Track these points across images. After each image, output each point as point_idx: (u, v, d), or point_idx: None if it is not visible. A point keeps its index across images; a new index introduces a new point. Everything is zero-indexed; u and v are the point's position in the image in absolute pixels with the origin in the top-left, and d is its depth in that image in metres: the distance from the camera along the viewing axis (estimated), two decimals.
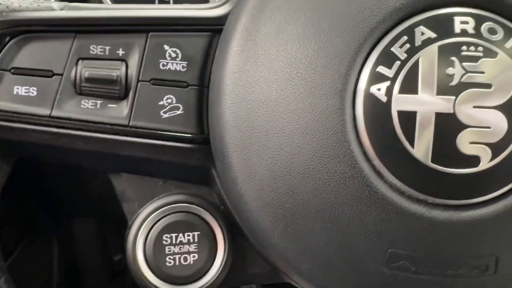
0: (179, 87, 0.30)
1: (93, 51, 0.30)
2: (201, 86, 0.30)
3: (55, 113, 0.29)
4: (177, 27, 0.31)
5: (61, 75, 0.29)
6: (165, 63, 0.30)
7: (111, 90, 0.30)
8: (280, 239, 0.27)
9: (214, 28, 0.31)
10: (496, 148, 0.24)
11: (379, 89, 0.25)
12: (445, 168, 0.24)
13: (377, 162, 0.25)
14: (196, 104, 0.30)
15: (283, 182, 0.26)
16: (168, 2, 0.63)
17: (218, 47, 0.29)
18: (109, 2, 0.56)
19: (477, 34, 0.24)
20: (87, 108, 0.29)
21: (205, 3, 0.33)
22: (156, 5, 0.31)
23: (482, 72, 0.24)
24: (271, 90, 0.26)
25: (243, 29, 0.27)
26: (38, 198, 0.48)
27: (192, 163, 0.31)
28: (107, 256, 0.54)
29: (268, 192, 0.26)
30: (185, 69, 0.30)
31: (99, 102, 0.30)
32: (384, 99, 0.25)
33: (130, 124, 0.30)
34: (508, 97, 0.24)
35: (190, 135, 0.30)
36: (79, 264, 0.54)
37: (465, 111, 0.24)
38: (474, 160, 0.24)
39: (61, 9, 0.30)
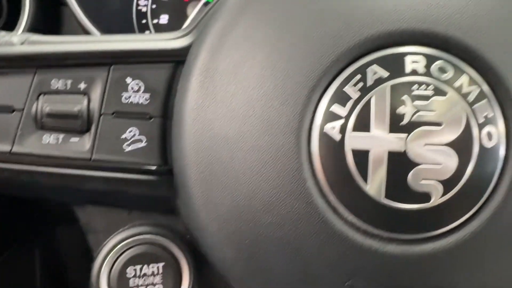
0: (142, 120, 0.30)
1: (54, 85, 0.30)
2: (164, 118, 0.31)
3: (15, 149, 0.29)
4: (139, 59, 0.31)
5: (22, 110, 0.30)
6: (127, 96, 0.30)
7: (73, 124, 0.30)
8: (243, 271, 0.28)
9: (177, 60, 0.31)
10: (447, 184, 0.25)
11: (333, 128, 0.25)
12: (398, 204, 0.25)
13: (332, 198, 0.25)
14: (159, 136, 0.31)
15: (244, 216, 0.26)
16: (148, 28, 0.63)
17: (180, 80, 0.30)
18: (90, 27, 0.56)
19: (428, 73, 0.25)
20: (49, 143, 0.29)
21: (170, 33, 0.33)
22: (119, 37, 0.31)
23: (433, 111, 0.25)
24: (230, 127, 0.26)
25: (201, 66, 0.27)
26: (19, 207, 0.48)
27: (157, 194, 0.31)
28: (90, 264, 0.53)
29: (230, 225, 0.27)
30: (148, 101, 0.31)
31: (60, 136, 0.30)
32: (338, 137, 0.25)
33: (92, 158, 0.30)
34: (458, 135, 0.25)
35: (153, 167, 0.30)
36: (62, 273, 0.54)
37: (416, 149, 0.25)
38: (425, 196, 0.25)
39: (22, 43, 0.30)
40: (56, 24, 0.61)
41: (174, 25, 0.68)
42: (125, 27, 0.71)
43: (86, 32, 0.58)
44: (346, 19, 0.26)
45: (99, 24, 0.61)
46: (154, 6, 0.72)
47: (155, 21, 0.72)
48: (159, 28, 0.66)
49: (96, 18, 0.63)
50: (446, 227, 0.25)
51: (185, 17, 0.68)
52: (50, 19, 0.60)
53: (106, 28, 0.64)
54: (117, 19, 0.70)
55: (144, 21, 0.72)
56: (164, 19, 0.69)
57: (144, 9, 0.71)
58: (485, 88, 0.25)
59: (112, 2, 0.70)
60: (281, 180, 0.26)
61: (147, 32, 0.69)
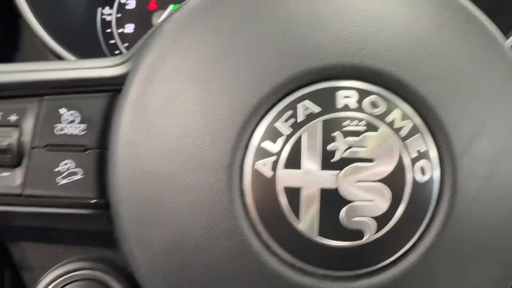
0: (78, 152, 0.29)
1: None
2: (101, 149, 0.30)
3: None
4: (73, 89, 0.30)
5: None
6: (61, 128, 0.29)
7: (3, 158, 0.29)
8: None
9: (114, 88, 0.30)
10: (380, 220, 0.25)
11: (264, 164, 0.25)
12: (331, 242, 0.25)
13: (266, 236, 0.25)
14: (96, 168, 0.29)
15: (177, 255, 0.26)
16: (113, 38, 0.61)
17: (114, 112, 0.29)
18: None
19: (360, 108, 0.25)
20: None
21: (108, 59, 0.32)
22: (52, 65, 0.30)
23: (364, 147, 0.24)
24: (161, 164, 0.26)
25: (132, 99, 0.26)
26: None
27: (94, 228, 0.30)
28: None
29: (163, 264, 0.26)
30: (83, 132, 0.30)
31: None
32: (269, 174, 0.25)
33: (23, 193, 0.29)
34: (390, 171, 0.25)
35: (90, 201, 0.29)
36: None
37: (349, 186, 0.24)
38: (359, 233, 0.25)
39: None
40: (14, 36, 0.60)
41: (140, 34, 0.67)
42: (89, 38, 0.70)
43: (44, 44, 0.56)
44: (277, 54, 0.25)
45: (58, 35, 0.60)
46: (119, 15, 0.71)
47: (120, 30, 0.71)
48: (124, 38, 0.65)
49: (56, 29, 0.61)
50: (381, 263, 0.25)
51: (150, 26, 0.67)
52: (5, 31, 0.58)
53: (68, 38, 0.63)
54: (80, 29, 0.69)
55: (109, 30, 0.71)
56: (129, 28, 0.68)
57: (108, 18, 0.70)
58: (418, 122, 0.25)
59: (74, 12, 0.68)
60: (213, 219, 0.25)
61: (112, 41, 0.68)
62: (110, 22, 0.70)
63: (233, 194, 0.25)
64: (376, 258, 0.25)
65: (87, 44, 0.70)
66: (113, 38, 0.71)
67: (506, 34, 0.65)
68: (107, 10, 0.71)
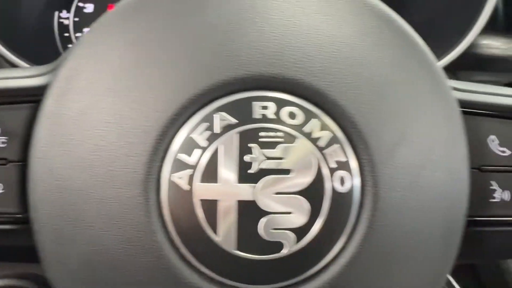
0: None
1: None
2: (24, 161, 0.29)
3: None
4: None
5: None
6: None
7: None
8: None
9: (35, 99, 0.29)
10: (299, 232, 0.24)
11: (181, 177, 0.24)
12: (250, 255, 0.24)
13: (184, 251, 0.24)
14: (18, 181, 0.29)
15: (94, 272, 0.25)
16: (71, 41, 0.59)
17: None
18: None
19: (277, 119, 0.24)
20: None
21: (32, 68, 0.31)
22: None
23: (281, 158, 0.24)
24: (77, 178, 0.25)
25: (48, 112, 0.26)
26: None
27: (18, 244, 0.29)
28: None
29: (80, 282, 0.25)
30: (5, 145, 0.29)
31: None
32: (186, 187, 0.24)
33: None
34: (308, 182, 0.24)
35: (12, 216, 0.28)
36: None
37: (266, 198, 0.24)
38: (278, 245, 0.24)
39: None
40: None
41: None
42: (47, 42, 0.68)
43: None
44: (193, 64, 0.24)
45: (11, 40, 0.58)
46: (77, 19, 0.69)
47: (78, 34, 0.70)
48: None
49: (8, 35, 0.60)
50: (303, 275, 0.25)
51: None
52: None
53: (22, 44, 0.61)
54: (36, 34, 0.67)
55: (66, 34, 0.69)
56: None
57: (66, 22, 0.69)
58: (337, 132, 0.25)
59: (29, 16, 0.66)
60: (130, 234, 0.24)
61: (70, 46, 0.66)
62: (67, 26, 0.69)
63: (150, 208, 0.24)
64: (297, 270, 0.25)
65: (44, 49, 0.68)
66: (71, 42, 0.70)
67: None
68: (64, 14, 0.69)
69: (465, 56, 0.67)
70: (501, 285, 0.64)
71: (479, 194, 0.31)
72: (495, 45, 0.64)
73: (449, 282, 0.75)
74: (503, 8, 0.73)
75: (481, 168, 0.31)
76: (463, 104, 0.31)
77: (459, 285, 0.73)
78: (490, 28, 0.75)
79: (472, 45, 0.66)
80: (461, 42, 0.64)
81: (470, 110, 0.31)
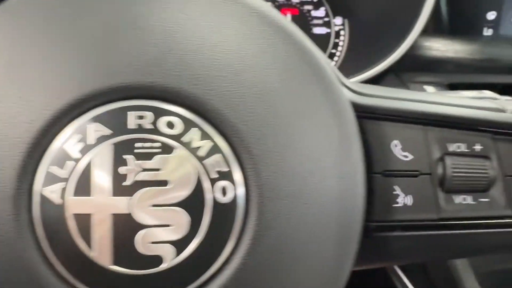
0: None
1: None
2: None
3: None
4: None
5: None
6: None
7: None
8: None
9: None
10: (179, 245, 0.24)
11: (53, 191, 0.23)
12: (128, 270, 0.23)
13: (60, 267, 0.23)
14: None
15: None
16: None
17: None
18: None
19: (154, 129, 0.23)
20: None
21: None
22: None
23: (158, 169, 0.23)
24: None
25: None
26: None
27: None
28: None
29: None
30: None
31: None
32: (58, 201, 0.23)
33: None
34: (188, 193, 0.24)
35: None
36: None
37: (142, 211, 0.23)
38: (157, 260, 0.24)
39: None
40: None
41: None
42: None
43: None
44: (66, 73, 0.23)
45: None
46: None
47: None
48: None
49: None
50: None
51: None
52: None
53: None
54: None
55: None
56: None
57: None
58: (219, 141, 0.24)
59: None
60: (2, 252, 0.23)
61: None
62: None
63: (22, 224, 0.23)
64: (179, 285, 0.24)
65: None
66: None
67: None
68: None
69: (407, 58, 0.67)
70: (448, 281, 0.65)
71: (383, 199, 0.31)
72: (436, 47, 0.65)
73: (402, 281, 0.75)
74: (447, 10, 0.74)
75: (384, 173, 0.31)
76: (367, 109, 0.31)
77: (411, 284, 0.74)
78: (436, 30, 0.76)
79: (414, 47, 0.66)
80: (401, 44, 0.65)
81: (374, 115, 0.31)
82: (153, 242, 0.23)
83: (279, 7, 0.82)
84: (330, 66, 0.29)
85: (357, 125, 0.28)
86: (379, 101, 0.31)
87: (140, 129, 0.23)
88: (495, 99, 0.38)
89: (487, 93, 0.55)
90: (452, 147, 0.31)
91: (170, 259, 0.23)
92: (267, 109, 0.25)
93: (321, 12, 0.84)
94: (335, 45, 0.84)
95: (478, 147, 0.31)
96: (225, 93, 0.24)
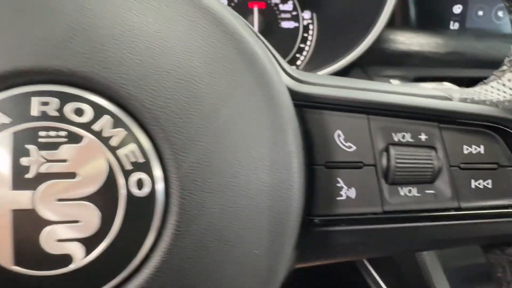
0: None
1: None
2: None
3: None
4: None
5: None
6: None
7: None
8: None
9: None
10: (90, 242, 0.22)
11: None
12: (33, 271, 0.21)
13: None
14: None
15: None
16: None
17: None
18: None
19: (60, 116, 0.21)
20: None
21: None
22: None
23: (64, 161, 0.21)
24: None
25: None
26: None
27: None
28: None
29: None
30: None
31: None
32: None
33: None
34: (99, 186, 0.22)
35: None
36: None
37: (47, 206, 0.21)
38: (66, 259, 0.22)
39: None
40: None
41: None
42: None
43: None
44: None
45: None
46: None
47: None
48: None
49: None
50: None
51: None
52: None
53: None
54: None
55: None
56: None
57: None
58: (134, 129, 0.22)
59: None
60: None
61: None
62: None
63: None
64: (90, 286, 0.22)
65: None
66: None
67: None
68: None
69: (373, 51, 0.66)
70: (417, 276, 0.65)
71: (325, 192, 0.29)
72: (401, 40, 0.64)
73: (372, 277, 0.75)
74: (414, 4, 0.73)
75: (327, 164, 0.29)
76: (308, 97, 0.29)
77: (381, 279, 0.73)
78: (403, 24, 0.76)
79: (379, 40, 0.65)
80: (367, 37, 0.64)
81: (315, 103, 0.30)
82: (60, 240, 0.21)
83: (246, 1, 0.81)
84: (267, 52, 0.27)
85: (294, 113, 0.27)
86: (320, 89, 0.30)
87: (44, 116, 0.21)
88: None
89: (447, 85, 0.54)
90: (397, 137, 0.30)
91: (79, 258, 0.21)
92: (188, 95, 0.23)
93: (289, 6, 0.83)
94: (304, 40, 0.83)
95: (423, 137, 0.30)
96: (141, 78, 0.22)
